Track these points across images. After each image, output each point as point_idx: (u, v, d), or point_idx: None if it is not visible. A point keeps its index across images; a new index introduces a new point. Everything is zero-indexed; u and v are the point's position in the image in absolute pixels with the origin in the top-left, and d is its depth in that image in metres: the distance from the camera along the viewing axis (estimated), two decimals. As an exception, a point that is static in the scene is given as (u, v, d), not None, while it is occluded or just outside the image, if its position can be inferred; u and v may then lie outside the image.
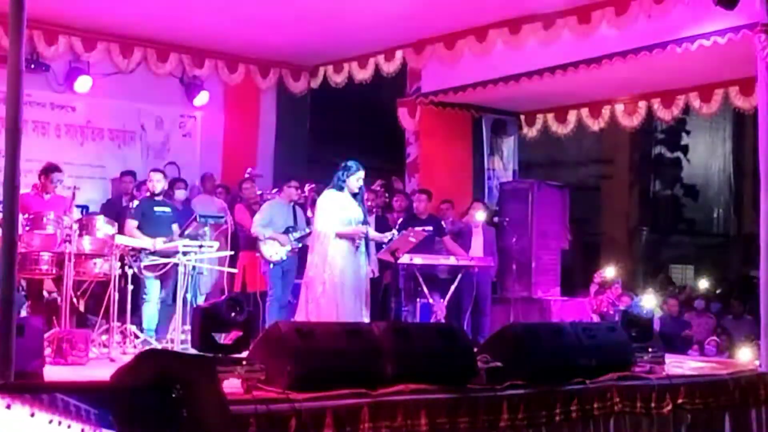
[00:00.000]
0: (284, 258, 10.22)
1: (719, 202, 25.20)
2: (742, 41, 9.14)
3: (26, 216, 8.66)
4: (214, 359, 4.95)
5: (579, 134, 14.49)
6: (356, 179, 8.70)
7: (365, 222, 8.83)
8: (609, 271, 13.28)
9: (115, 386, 1.86)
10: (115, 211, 10.50)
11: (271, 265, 10.14)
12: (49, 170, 9.64)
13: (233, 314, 6.43)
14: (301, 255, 10.08)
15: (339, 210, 8.61)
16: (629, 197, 23.18)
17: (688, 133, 23.93)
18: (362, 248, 8.75)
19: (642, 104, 12.94)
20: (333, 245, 8.55)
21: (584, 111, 13.55)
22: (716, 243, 24.81)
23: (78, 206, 10.27)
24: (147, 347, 8.76)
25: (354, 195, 8.77)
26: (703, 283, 18.96)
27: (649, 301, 12.80)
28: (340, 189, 8.70)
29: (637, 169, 23.39)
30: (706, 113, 12.62)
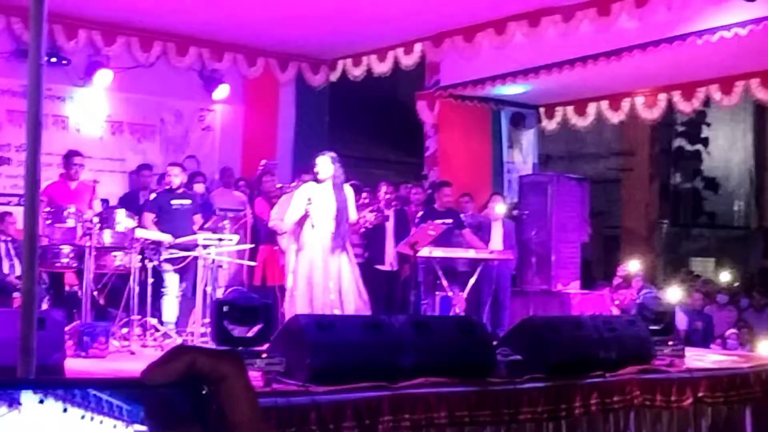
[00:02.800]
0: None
1: (740, 195, 25.07)
2: (764, 32, 9.09)
3: (47, 209, 8.69)
4: (239, 352, 4.97)
5: (599, 127, 14.44)
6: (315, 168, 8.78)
7: (339, 212, 8.74)
8: (632, 265, 13.24)
9: (143, 382, 1.86)
10: (132, 204, 10.52)
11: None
12: (69, 156, 9.69)
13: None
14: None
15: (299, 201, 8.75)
16: (649, 190, 23.07)
17: (708, 125, 23.80)
18: (322, 235, 8.65)
19: (662, 96, 12.89)
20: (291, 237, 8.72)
21: (604, 104, 13.50)
22: (737, 235, 24.70)
23: (99, 200, 10.31)
24: (168, 340, 8.81)
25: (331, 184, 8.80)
26: (725, 276, 18.88)
27: (673, 295, 12.75)
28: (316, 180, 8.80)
29: (657, 162, 23.29)
30: (726, 105, 12.56)
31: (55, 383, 0.97)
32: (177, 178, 9.96)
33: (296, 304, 8.50)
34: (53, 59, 11.32)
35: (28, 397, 0.96)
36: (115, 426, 1.04)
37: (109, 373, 6.68)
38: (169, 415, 1.05)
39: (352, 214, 8.88)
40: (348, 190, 8.92)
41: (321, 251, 8.57)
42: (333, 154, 8.81)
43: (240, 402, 1.04)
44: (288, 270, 8.92)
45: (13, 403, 0.98)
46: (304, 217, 8.64)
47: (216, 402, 1.03)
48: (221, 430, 1.02)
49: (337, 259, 8.56)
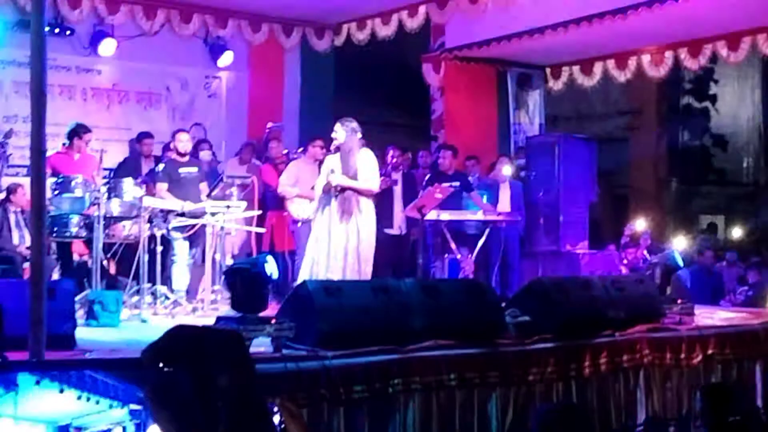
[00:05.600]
0: (308, 217, 10.23)
1: (749, 152, 24.93)
2: (770, -13, 9.02)
3: (54, 180, 8.71)
4: (241, 334, 4.96)
5: (605, 86, 14.37)
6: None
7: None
8: (639, 224, 13.21)
9: (144, 363, 1.88)
10: (133, 170, 10.50)
11: (299, 224, 10.15)
12: (80, 130, 9.69)
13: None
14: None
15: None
16: (657, 148, 22.98)
17: (716, 82, 23.65)
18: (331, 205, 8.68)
19: (669, 54, 12.80)
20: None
21: (610, 62, 13.42)
22: (746, 192, 24.59)
23: (105, 169, 10.32)
24: (178, 308, 8.84)
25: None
26: (736, 232, 18.83)
27: (680, 244, 12.74)
28: None
29: (665, 120, 23.18)
30: (733, 62, 12.48)
31: (50, 364, 0.99)
32: (187, 143, 9.97)
33: (307, 270, 8.51)
34: (57, 29, 11.31)
35: (24, 379, 0.97)
36: (111, 406, 1.06)
37: (120, 342, 6.71)
38: (167, 396, 1.06)
39: (366, 181, 8.66)
40: (364, 155, 8.77)
41: (329, 218, 8.56)
42: (348, 121, 8.70)
43: (239, 382, 1.06)
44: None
45: (10, 385, 1.00)
46: (329, 187, 8.60)
47: (215, 383, 1.05)
48: (222, 409, 1.04)
49: (344, 226, 8.52)
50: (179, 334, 2.16)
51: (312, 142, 10.55)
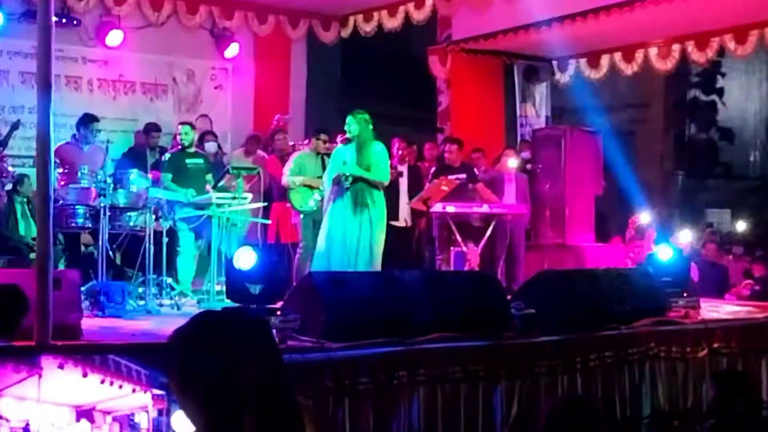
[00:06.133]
0: (315, 208, 10.21)
1: (755, 145, 24.86)
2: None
3: (61, 170, 8.71)
4: (267, 319, 4.97)
5: (612, 79, 14.33)
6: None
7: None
8: (644, 217, 13.19)
9: (170, 348, 1.89)
10: (138, 160, 10.50)
11: (302, 216, 10.15)
12: (88, 120, 9.69)
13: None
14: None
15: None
16: (664, 142, 22.94)
17: (723, 75, 23.58)
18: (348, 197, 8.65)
19: (676, 47, 12.77)
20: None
21: (617, 55, 13.39)
22: (753, 186, 24.54)
23: (112, 160, 10.32)
24: (184, 299, 8.86)
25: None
26: (741, 226, 18.79)
27: (685, 237, 12.71)
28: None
29: (671, 114, 23.13)
30: (741, 55, 12.44)
31: (74, 349, 0.99)
32: (187, 136, 10.00)
33: (318, 262, 8.52)
34: (63, 20, 11.31)
35: (48, 363, 0.98)
36: (134, 390, 1.06)
37: (126, 332, 6.72)
38: (194, 382, 1.05)
39: (378, 174, 8.68)
40: (378, 147, 8.79)
41: (341, 211, 8.57)
42: (360, 112, 8.70)
43: (265, 366, 1.06)
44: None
45: (34, 368, 1.00)
46: (339, 179, 8.60)
47: (241, 368, 1.05)
48: (248, 396, 1.04)
49: (358, 218, 8.53)
50: (206, 320, 2.16)
51: (316, 135, 10.52)
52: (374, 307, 6.08)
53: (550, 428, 4.21)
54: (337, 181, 8.61)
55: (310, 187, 10.05)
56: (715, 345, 7.59)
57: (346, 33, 13.53)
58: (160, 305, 8.58)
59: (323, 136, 10.34)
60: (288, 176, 10.18)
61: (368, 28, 13.04)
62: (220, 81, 13.43)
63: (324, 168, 10.22)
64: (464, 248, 10.50)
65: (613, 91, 20.42)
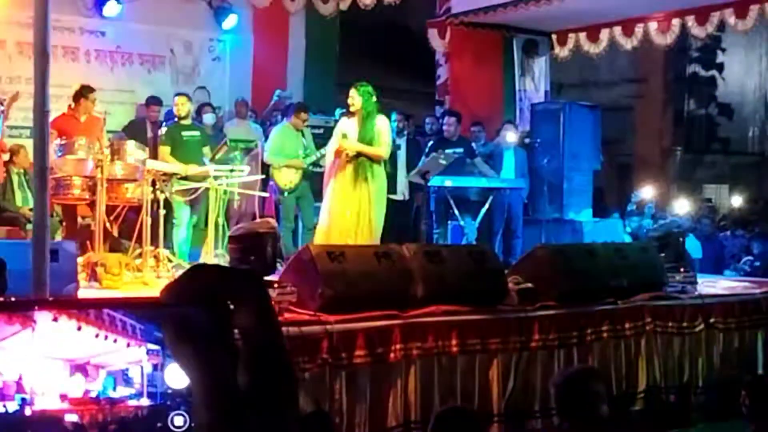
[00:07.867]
0: (294, 187, 10.15)
1: (754, 121, 24.86)
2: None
3: (57, 142, 8.67)
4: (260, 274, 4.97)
5: (612, 53, 14.29)
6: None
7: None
8: (645, 192, 13.20)
9: (163, 301, 1.89)
10: (139, 133, 10.49)
11: (286, 194, 10.12)
12: (85, 91, 9.63)
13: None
14: (314, 179, 10.07)
15: None
16: (663, 117, 22.93)
17: (723, 50, 23.54)
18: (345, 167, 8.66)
19: (676, 21, 12.72)
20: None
21: (617, 29, 13.34)
22: (751, 162, 24.55)
23: (109, 131, 10.28)
24: (178, 270, 8.83)
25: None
26: (738, 201, 18.80)
27: (682, 208, 12.73)
28: None
29: (671, 88, 23.11)
30: (741, 30, 12.40)
31: (69, 303, 0.97)
32: (183, 107, 9.96)
33: (321, 235, 8.51)
34: (61, -10, 11.23)
35: (42, 316, 0.97)
36: (128, 345, 1.05)
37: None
38: (188, 335, 1.05)
39: (380, 147, 8.60)
40: (382, 121, 8.70)
41: (342, 183, 8.54)
42: (363, 85, 8.64)
43: (259, 321, 1.04)
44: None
45: (28, 321, 0.99)
46: (339, 152, 8.56)
47: (235, 321, 1.04)
48: (242, 349, 1.03)
49: (358, 192, 8.49)
50: (199, 273, 2.15)
51: (297, 112, 10.45)
52: (371, 280, 6.07)
53: (563, 397, 4.19)
54: (337, 154, 8.57)
55: (294, 168, 10.03)
56: (712, 320, 7.60)
57: (344, 5, 13.44)
58: (158, 277, 8.56)
59: (303, 115, 10.30)
60: (269, 155, 10.14)
61: (367, 0, 12.97)
62: (218, 53, 13.37)
63: (304, 145, 10.21)
64: (462, 222, 10.50)
65: (612, 65, 20.40)
